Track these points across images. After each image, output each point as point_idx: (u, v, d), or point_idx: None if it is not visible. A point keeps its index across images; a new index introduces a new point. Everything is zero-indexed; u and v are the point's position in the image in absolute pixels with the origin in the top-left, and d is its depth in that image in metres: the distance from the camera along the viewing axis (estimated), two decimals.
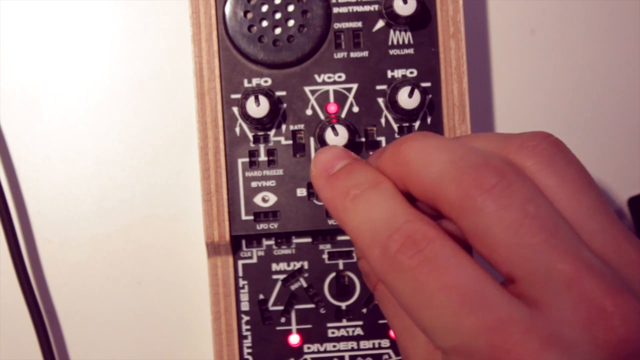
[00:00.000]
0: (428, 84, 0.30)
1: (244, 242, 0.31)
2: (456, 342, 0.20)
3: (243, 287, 0.31)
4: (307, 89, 0.30)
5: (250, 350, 0.31)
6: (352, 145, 0.29)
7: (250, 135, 0.30)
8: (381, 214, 0.22)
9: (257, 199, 0.30)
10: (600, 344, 0.19)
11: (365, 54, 0.30)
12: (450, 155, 0.22)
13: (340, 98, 0.30)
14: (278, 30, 0.30)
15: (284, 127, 0.30)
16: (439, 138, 0.23)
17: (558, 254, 0.20)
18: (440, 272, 0.21)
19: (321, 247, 0.31)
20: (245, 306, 0.31)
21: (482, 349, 0.20)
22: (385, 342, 0.31)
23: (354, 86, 0.30)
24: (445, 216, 0.22)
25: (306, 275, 0.31)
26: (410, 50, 0.30)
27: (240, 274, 0.31)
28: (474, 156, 0.21)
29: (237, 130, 0.30)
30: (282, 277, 0.31)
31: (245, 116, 0.29)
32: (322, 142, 0.29)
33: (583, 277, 0.20)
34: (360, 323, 0.31)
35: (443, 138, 0.23)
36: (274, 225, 0.30)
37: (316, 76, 0.30)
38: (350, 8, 0.30)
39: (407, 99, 0.29)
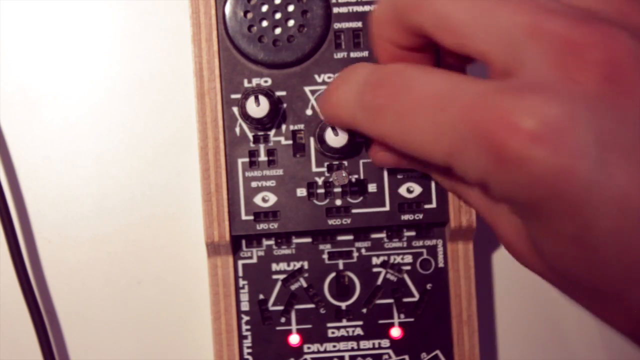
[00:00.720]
0: None
1: (244, 242, 0.31)
2: (446, 147, 0.20)
3: (243, 287, 0.31)
4: (307, 89, 0.30)
5: (250, 350, 0.31)
6: (352, 145, 0.29)
7: (250, 135, 0.30)
8: (353, 86, 0.23)
9: (257, 199, 0.30)
10: (581, 82, 0.18)
11: (366, 54, 0.30)
12: None
13: None
14: (278, 30, 0.30)
15: (284, 127, 0.30)
16: None
17: (513, 10, 0.19)
18: (408, 90, 0.21)
19: (321, 247, 0.31)
20: (245, 306, 0.31)
21: (470, 137, 0.19)
22: (385, 342, 0.31)
23: None
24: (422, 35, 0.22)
25: (306, 275, 0.31)
26: None
27: (240, 274, 0.31)
28: None
29: (237, 130, 0.30)
30: (282, 277, 0.31)
31: (245, 116, 0.29)
32: (322, 142, 0.29)
33: (544, 21, 0.18)
34: (360, 323, 0.31)
35: None
36: (274, 225, 0.30)
37: (316, 76, 0.30)
38: (350, 8, 0.30)
39: None
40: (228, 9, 0.29)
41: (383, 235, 0.31)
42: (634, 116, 0.18)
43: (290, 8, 0.29)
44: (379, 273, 0.31)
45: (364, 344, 0.31)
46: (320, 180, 0.30)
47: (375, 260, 0.31)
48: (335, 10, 0.30)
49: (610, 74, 0.18)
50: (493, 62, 0.20)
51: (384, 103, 0.21)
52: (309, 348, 0.31)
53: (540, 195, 0.18)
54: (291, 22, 0.30)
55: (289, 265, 0.31)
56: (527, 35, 0.19)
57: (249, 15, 0.29)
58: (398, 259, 0.31)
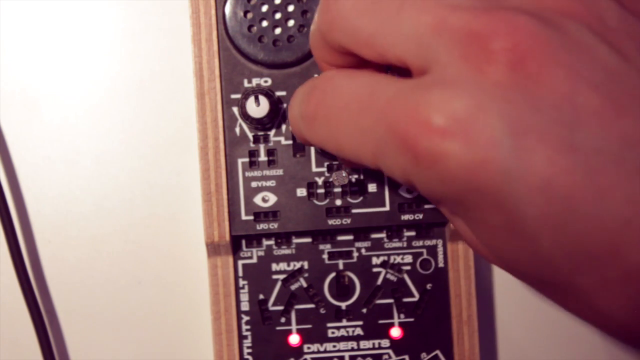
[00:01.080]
0: None
1: (244, 242, 0.31)
2: (371, 150, 0.20)
3: (243, 287, 0.31)
4: None
5: (250, 350, 0.31)
6: None
7: (250, 135, 0.30)
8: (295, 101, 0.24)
9: (257, 199, 0.30)
10: (489, 71, 0.18)
11: None
12: None
13: None
14: (278, 30, 0.30)
15: (284, 127, 0.30)
16: None
17: (417, 11, 0.19)
18: (334, 96, 0.21)
19: (321, 247, 0.31)
20: (245, 306, 0.31)
21: (388, 138, 0.19)
22: (385, 342, 0.31)
23: None
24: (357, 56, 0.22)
25: (306, 275, 0.31)
26: None
27: (240, 274, 0.31)
28: None
29: (237, 130, 0.30)
30: (282, 277, 0.31)
31: (245, 116, 0.29)
32: None
33: (447, 17, 0.18)
34: (360, 323, 0.31)
35: None
36: (274, 225, 0.30)
37: (316, 76, 0.30)
38: None
39: None
40: (228, 9, 0.29)
41: (383, 235, 0.31)
42: (544, 99, 0.17)
43: (290, 8, 0.29)
44: (379, 273, 0.31)
45: (364, 344, 0.31)
46: (320, 180, 0.30)
47: (375, 260, 0.31)
48: None
49: (516, 60, 0.18)
50: (411, 65, 0.20)
51: (315, 110, 0.22)
52: (309, 348, 0.31)
53: (461, 190, 0.18)
54: (291, 22, 0.30)
55: (289, 265, 0.31)
56: (433, 33, 0.19)
57: (249, 15, 0.29)
58: (398, 259, 0.31)
